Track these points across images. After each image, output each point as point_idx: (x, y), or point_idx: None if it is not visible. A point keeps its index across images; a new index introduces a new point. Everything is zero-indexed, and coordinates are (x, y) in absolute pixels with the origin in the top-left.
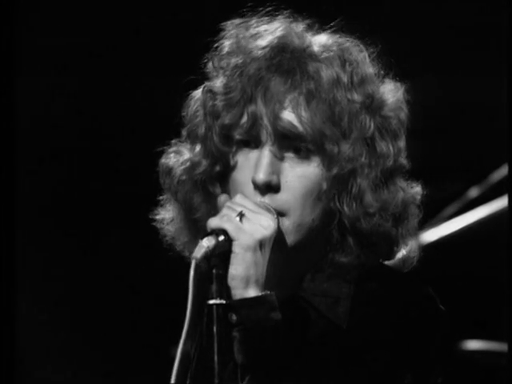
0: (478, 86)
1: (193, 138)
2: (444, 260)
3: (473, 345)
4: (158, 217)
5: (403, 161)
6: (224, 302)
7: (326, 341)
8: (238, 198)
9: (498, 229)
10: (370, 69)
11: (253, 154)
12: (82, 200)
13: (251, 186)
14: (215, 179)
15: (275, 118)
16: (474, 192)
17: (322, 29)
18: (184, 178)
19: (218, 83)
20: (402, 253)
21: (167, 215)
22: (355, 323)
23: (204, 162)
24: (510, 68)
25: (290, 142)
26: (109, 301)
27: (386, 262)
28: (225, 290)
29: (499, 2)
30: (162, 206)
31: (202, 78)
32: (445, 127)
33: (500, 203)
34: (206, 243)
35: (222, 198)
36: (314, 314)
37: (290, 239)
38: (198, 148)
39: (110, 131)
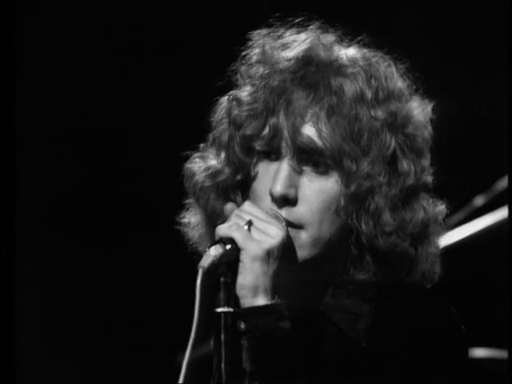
0: (484, 94)
1: (217, 145)
2: (449, 268)
3: (478, 352)
4: (183, 220)
5: (427, 179)
6: (232, 310)
7: (344, 357)
8: (247, 206)
9: (503, 237)
10: (397, 84)
11: (273, 166)
12: (84, 201)
13: (269, 198)
14: (237, 187)
15: (295, 132)
16: (479, 200)
17: (351, 41)
18: (206, 184)
19: (243, 92)
20: (422, 269)
21: (193, 219)
22: (374, 340)
23: (226, 170)
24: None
25: (309, 156)
26: (111, 301)
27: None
28: (232, 298)
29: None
30: (187, 209)
31: (231, 84)
32: (449, 134)
33: (505, 212)
34: (214, 252)
35: (229, 206)
36: (333, 330)
37: (306, 253)
38: (222, 155)
39: (117, 131)
